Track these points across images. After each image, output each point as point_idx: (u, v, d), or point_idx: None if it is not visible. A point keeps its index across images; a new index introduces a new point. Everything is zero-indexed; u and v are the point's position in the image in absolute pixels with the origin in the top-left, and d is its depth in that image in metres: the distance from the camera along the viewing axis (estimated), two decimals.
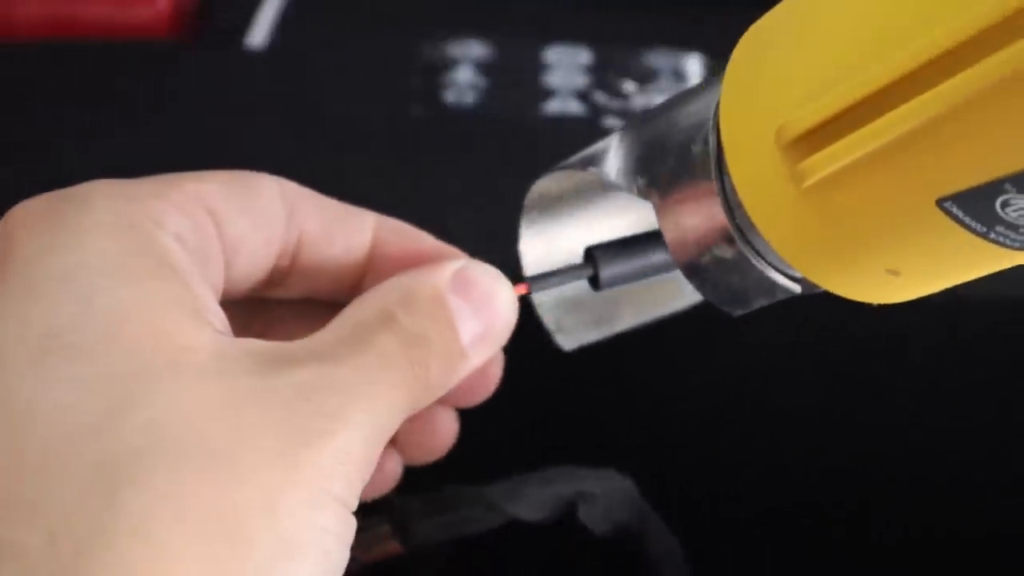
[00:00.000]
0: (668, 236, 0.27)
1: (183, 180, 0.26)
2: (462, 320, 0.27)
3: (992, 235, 0.21)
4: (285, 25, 0.52)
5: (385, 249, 0.29)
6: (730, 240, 0.26)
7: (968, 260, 0.23)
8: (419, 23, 0.53)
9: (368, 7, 0.54)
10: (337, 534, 0.23)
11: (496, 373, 0.31)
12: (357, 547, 0.33)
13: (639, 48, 0.52)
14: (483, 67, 0.51)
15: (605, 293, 0.30)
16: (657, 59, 0.51)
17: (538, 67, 0.51)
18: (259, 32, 0.52)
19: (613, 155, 0.28)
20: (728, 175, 0.25)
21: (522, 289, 0.29)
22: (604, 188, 0.31)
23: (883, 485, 0.46)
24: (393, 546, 0.32)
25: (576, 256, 0.31)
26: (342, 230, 0.28)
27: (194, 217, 0.25)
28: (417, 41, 0.52)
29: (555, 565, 0.39)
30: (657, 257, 0.29)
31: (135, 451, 0.21)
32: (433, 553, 0.32)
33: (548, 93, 0.50)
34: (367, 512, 0.31)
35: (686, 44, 0.52)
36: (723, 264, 0.26)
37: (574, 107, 0.49)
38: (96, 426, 0.21)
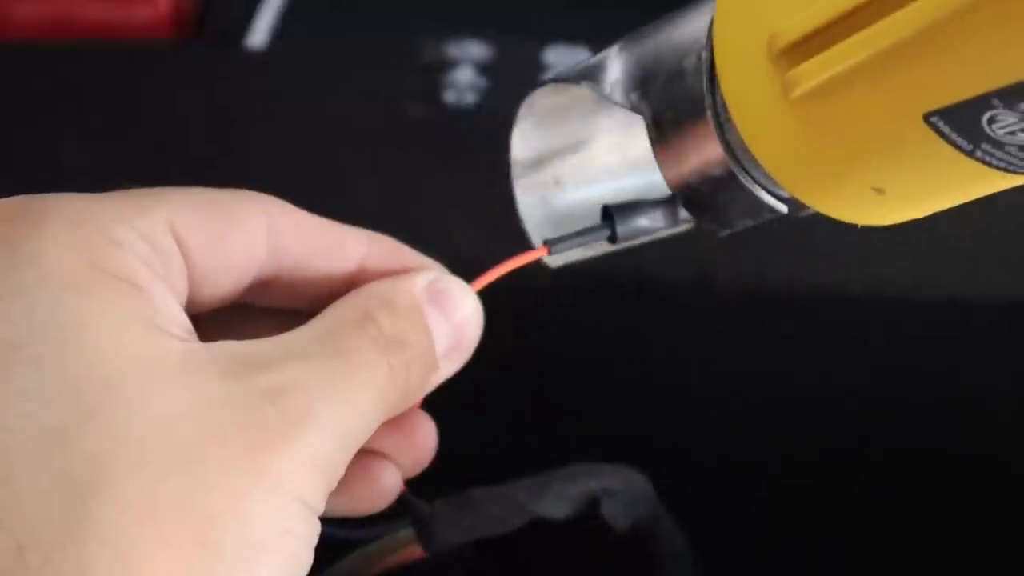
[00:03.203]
0: (657, 151, 0.27)
1: (155, 206, 0.25)
2: (435, 329, 0.27)
3: (978, 153, 0.21)
4: (285, 25, 0.52)
5: (368, 268, 0.28)
6: (719, 157, 0.26)
7: (953, 180, 0.23)
8: (419, 23, 0.53)
9: (368, 7, 0.54)
10: (303, 537, 0.23)
11: (430, 444, 0.30)
12: (377, 554, 0.33)
13: None
14: (483, 67, 0.51)
15: (589, 212, 0.30)
16: None
17: (538, 67, 0.51)
18: (259, 32, 0.52)
19: (608, 69, 0.28)
20: (720, 90, 0.25)
21: (543, 251, 0.29)
22: (599, 102, 0.31)
23: (896, 487, 0.46)
24: (415, 551, 0.32)
25: (563, 168, 0.31)
26: (324, 260, 0.28)
27: (160, 246, 0.25)
28: (417, 41, 0.52)
29: (574, 563, 0.39)
30: (671, 218, 0.29)
31: (99, 457, 0.21)
32: (454, 556, 0.32)
33: None
34: (389, 517, 0.31)
35: None
36: (711, 181, 0.26)
37: None
38: (60, 435, 0.21)
